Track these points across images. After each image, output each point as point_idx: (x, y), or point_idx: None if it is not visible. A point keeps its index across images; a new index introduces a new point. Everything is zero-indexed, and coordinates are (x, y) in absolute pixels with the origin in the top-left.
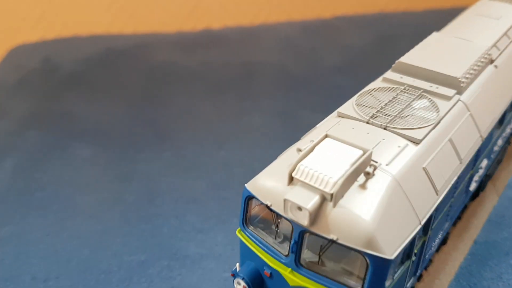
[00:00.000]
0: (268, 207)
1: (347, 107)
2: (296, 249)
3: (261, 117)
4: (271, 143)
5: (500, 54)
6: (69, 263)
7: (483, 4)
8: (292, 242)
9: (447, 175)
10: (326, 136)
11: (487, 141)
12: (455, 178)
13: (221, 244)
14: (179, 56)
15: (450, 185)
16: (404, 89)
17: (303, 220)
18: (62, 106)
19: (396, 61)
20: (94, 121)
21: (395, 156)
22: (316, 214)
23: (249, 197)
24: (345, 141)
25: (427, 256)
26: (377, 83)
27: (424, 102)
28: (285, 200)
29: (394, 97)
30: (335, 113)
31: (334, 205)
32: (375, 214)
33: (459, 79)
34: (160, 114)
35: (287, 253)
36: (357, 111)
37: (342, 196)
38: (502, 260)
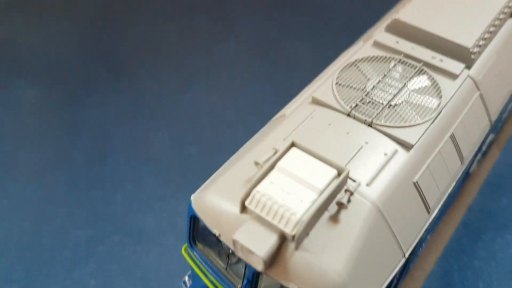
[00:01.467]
0: (216, 237)
1: (325, 89)
2: None
3: (237, 46)
4: (247, 84)
5: None
6: (8, 239)
7: None
8: (244, 282)
9: (443, 185)
10: (293, 145)
11: (498, 118)
12: (454, 183)
13: (183, 215)
14: None
15: (446, 196)
16: (400, 60)
17: (257, 265)
18: (5, 31)
19: (392, 18)
20: (42, 53)
21: (379, 171)
22: (274, 255)
23: (196, 217)
24: (315, 154)
25: (410, 265)
26: (367, 49)
27: (423, 81)
28: (233, 241)
29: (385, 74)
30: (310, 96)
31: (296, 248)
32: (347, 262)
33: (470, 50)
34: (117, 43)
35: (240, 285)
36: (337, 97)
37: (307, 234)
38: (498, 235)
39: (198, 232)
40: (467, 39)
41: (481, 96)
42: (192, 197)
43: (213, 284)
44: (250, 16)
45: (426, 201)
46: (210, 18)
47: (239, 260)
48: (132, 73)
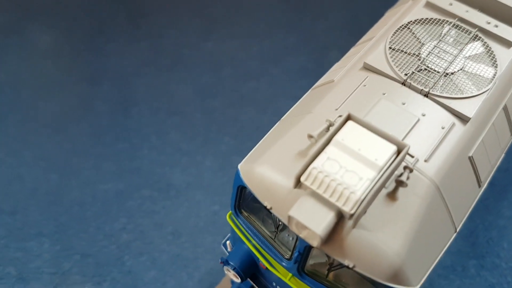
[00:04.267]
0: (267, 209)
1: (377, 54)
2: (300, 260)
3: None
4: (270, 31)
5: None
6: (36, 192)
7: None
8: (295, 253)
9: (494, 157)
10: (349, 117)
11: None
12: (503, 155)
13: (210, 170)
14: None
15: (495, 169)
16: (454, 24)
17: (312, 241)
18: None
19: None
20: None
21: (437, 145)
22: (330, 232)
23: (243, 187)
24: (373, 128)
25: None
26: (419, 9)
27: (478, 48)
28: (289, 216)
29: (440, 40)
30: (361, 60)
31: (354, 226)
32: (405, 241)
33: None
34: None
35: (289, 256)
36: (391, 63)
37: (365, 212)
38: None
39: (244, 201)
40: None
41: None
42: (240, 166)
43: (258, 250)
44: None
45: (479, 175)
46: None
47: (289, 231)
48: (151, 19)
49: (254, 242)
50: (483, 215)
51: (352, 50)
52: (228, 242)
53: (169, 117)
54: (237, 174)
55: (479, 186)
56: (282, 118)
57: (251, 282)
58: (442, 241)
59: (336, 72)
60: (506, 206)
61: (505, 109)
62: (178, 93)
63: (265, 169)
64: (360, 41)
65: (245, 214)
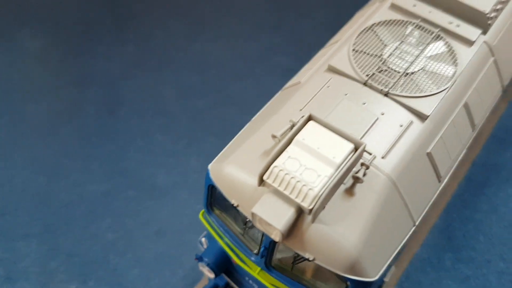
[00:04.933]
0: (234, 207)
1: (341, 56)
2: (267, 254)
3: None
4: (256, 31)
5: None
6: (25, 194)
7: None
8: (262, 248)
9: (455, 153)
10: (310, 118)
11: None
12: (464, 150)
13: (195, 170)
14: None
15: (456, 164)
16: (417, 25)
17: (274, 236)
18: None
19: None
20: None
21: (394, 142)
22: (291, 227)
23: (214, 186)
24: (332, 127)
25: None
26: (384, 11)
27: (440, 47)
28: (252, 213)
29: (402, 41)
30: (326, 63)
31: (313, 221)
32: (362, 234)
33: (487, 15)
34: None
35: (257, 251)
36: (353, 65)
37: (324, 207)
38: (501, 189)
39: (215, 200)
40: (484, 3)
41: (495, 61)
42: (210, 167)
43: (230, 248)
44: None
45: (438, 171)
46: None
47: (255, 231)
48: (137, 21)
49: (226, 239)
50: (459, 209)
51: (321, 51)
52: (203, 239)
53: (156, 119)
54: (207, 174)
55: (439, 181)
56: (253, 118)
57: (226, 278)
58: (400, 234)
59: (304, 73)
60: (483, 201)
61: (466, 106)
62: (164, 95)
63: (233, 168)
64: (329, 42)
65: (217, 212)
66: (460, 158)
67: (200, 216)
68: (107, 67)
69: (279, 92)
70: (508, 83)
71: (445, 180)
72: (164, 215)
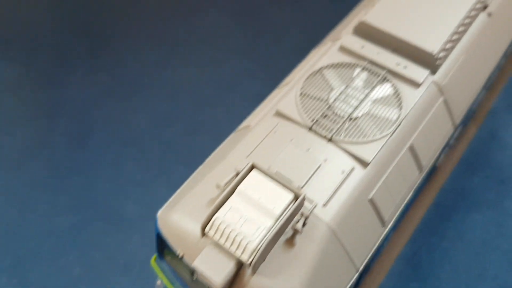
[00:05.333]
0: (179, 257)
1: (289, 100)
2: None
3: (219, 14)
4: (228, 57)
5: None
6: None
7: None
8: None
9: (399, 197)
10: (253, 167)
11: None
12: (411, 192)
13: (164, 200)
14: None
15: (402, 207)
16: (365, 67)
17: None
18: None
19: (359, 21)
20: (14, 27)
21: (335, 190)
22: (232, 280)
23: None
24: (274, 176)
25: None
26: (333, 53)
27: (386, 89)
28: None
29: (349, 83)
30: (274, 107)
31: (253, 273)
32: (302, 285)
33: (435, 56)
34: (94, 14)
35: None
36: (300, 110)
37: (264, 259)
38: (468, 215)
39: (166, 246)
40: (432, 43)
41: (445, 101)
42: (158, 214)
43: None
44: None
45: (382, 216)
46: None
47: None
48: (110, 49)
49: (177, 285)
50: (426, 237)
51: (273, 93)
52: (159, 281)
53: (125, 148)
54: (156, 225)
55: (383, 225)
56: (204, 162)
57: None
58: (342, 281)
59: (254, 116)
60: (450, 227)
61: (411, 149)
62: (135, 123)
63: (179, 217)
64: (281, 84)
65: (168, 258)
66: (406, 200)
67: (152, 262)
68: (79, 96)
69: (232, 133)
70: (461, 120)
71: (390, 224)
72: (132, 247)
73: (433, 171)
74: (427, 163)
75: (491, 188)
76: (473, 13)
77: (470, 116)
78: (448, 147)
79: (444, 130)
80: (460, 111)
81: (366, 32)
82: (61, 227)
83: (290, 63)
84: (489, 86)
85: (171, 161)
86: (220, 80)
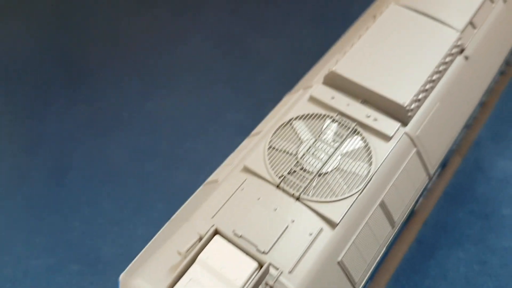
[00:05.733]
0: None
1: (257, 155)
2: None
3: (200, 44)
4: (210, 86)
5: (476, 33)
6: None
7: None
8: None
9: (371, 255)
10: (216, 232)
11: None
12: (384, 249)
13: (141, 240)
14: None
15: (374, 265)
16: (334, 119)
17: None
18: None
19: (329, 71)
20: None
21: (303, 253)
22: None
23: None
24: (237, 243)
25: None
26: (303, 104)
27: (356, 143)
28: None
29: (318, 136)
30: (242, 161)
31: None
32: None
33: (406, 108)
34: (74, 44)
35: None
36: (267, 165)
37: None
38: (451, 251)
39: None
40: (403, 95)
41: (418, 152)
42: (120, 278)
43: None
44: (214, 9)
45: (352, 278)
46: (173, 13)
47: None
48: (91, 79)
49: None
50: (409, 275)
51: (244, 142)
52: None
53: (103, 185)
54: (117, 285)
55: (354, 287)
56: (172, 217)
57: None
58: None
59: (223, 169)
60: (433, 265)
61: (382, 205)
62: (113, 158)
63: (139, 284)
64: (253, 132)
65: None
66: (379, 257)
67: None
68: (57, 129)
69: (202, 186)
70: (436, 170)
71: (362, 284)
72: None
73: (412, 215)
74: (400, 218)
75: (475, 223)
76: (448, 58)
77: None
78: (427, 191)
79: (418, 182)
80: (435, 161)
81: (336, 82)
82: (36, 269)
83: (274, 92)
84: (471, 122)
85: (149, 197)
86: (202, 111)
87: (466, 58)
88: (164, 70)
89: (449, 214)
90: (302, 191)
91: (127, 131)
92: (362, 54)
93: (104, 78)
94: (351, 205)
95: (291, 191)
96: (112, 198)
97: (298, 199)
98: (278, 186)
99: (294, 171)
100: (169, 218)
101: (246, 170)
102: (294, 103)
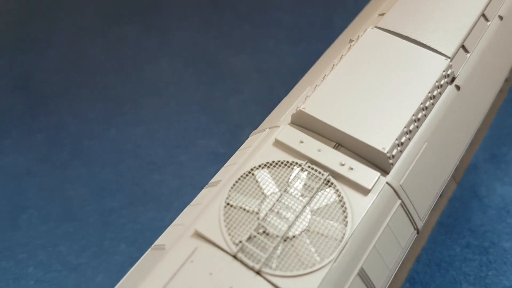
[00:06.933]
0: None
1: (211, 216)
2: None
3: (171, 62)
4: (181, 111)
5: (469, 57)
6: None
7: None
8: None
9: None
10: None
11: None
12: None
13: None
14: None
15: None
16: (303, 168)
17: None
18: None
19: (297, 109)
20: None
21: None
22: None
23: None
24: None
25: None
26: (267, 149)
27: (329, 196)
28: None
29: (285, 189)
30: (193, 225)
31: None
32: None
33: (387, 154)
34: (33, 67)
35: None
36: (223, 229)
37: None
38: None
39: None
40: (383, 139)
41: (402, 205)
42: None
43: None
44: (186, 25)
45: None
46: (142, 29)
47: None
48: (50, 106)
49: None
50: None
51: (199, 196)
52: None
53: (60, 225)
54: None
55: None
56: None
57: None
58: None
59: (173, 230)
60: None
61: (361, 273)
62: (73, 195)
63: None
64: (211, 182)
65: None
66: None
67: None
68: (12, 164)
69: (148, 250)
70: (424, 223)
71: None
72: None
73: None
74: (384, 284)
75: (473, 259)
76: (436, 92)
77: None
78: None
79: (404, 240)
80: (423, 212)
81: (305, 123)
82: None
83: (250, 115)
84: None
85: (111, 238)
86: (171, 138)
87: (458, 88)
88: (129, 93)
89: (444, 249)
90: (264, 262)
91: (88, 164)
92: (335, 88)
93: (64, 103)
94: (324, 278)
95: (251, 263)
96: (70, 240)
97: (258, 273)
98: (235, 257)
99: (255, 236)
100: (132, 262)
101: (198, 234)
102: (257, 148)
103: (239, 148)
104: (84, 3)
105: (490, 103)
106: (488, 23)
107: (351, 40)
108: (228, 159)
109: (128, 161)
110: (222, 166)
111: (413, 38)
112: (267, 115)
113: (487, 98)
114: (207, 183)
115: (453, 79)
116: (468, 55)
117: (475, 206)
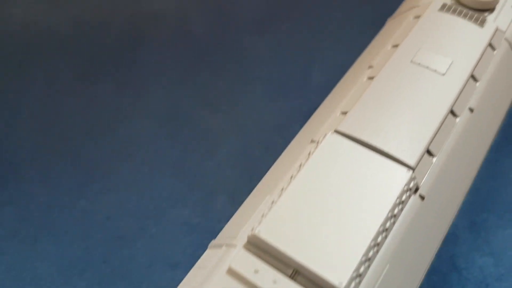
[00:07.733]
0: None
1: None
2: None
3: (145, 123)
4: (153, 176)
5: (434, 163)
6: None
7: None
8: None
9: None
10: None
11: None
12: None
13: None
14: (41, 11)
15: None
16: None
17: None
18: None
19: (251, 233)
20: None
21: None
22: None
23: None
24: None
25: None
26: (220, 279)
27: None
28: None
29: None
30: None
31: None
32: None
33: None
34: (5, 127)
35: None
36: None
37: None
38: None
39: None
40: (340, 272)
41: None
42: None
43: None
44: (161, 81)
45: None
46: (116, 87)
47: None
48: (18, 175)
49: None
50: None
51: None
52: None
53: None
54: None
55: None
56: None
57: None
58: None
59: None
60: None
61: None
62: (40, 274)
63: None
64: None
65: None
66: None
67: None
68: None
69: None
70: None
71: None
72: None
73: None
74: None
75: None
76: (397, 210)
77: None
78: None
79: None
80: None
81: (260, 248)
82: None
83: (226, 181)
84: None
85: None
86: (142, 208)
87: (422, 198)
88: (101, 159)
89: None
90: None
91: (57, 239)
92: (292, 207)
93: (34, 173)
94: None
95: None
96: None
97: None
98: None
99: None
100: None
101: None
102: (208, 275)
103: (211, 217)
104: (57, 59)
105: (460, 204)
106: (457, 119)
107: (312, 141)
108: (201, 230)
109: (97, 236)
110: (194, 238)
111: (374, 145)
112: (243, 180)
113: (456, 202)
114: (178, 260)
115: (416, 189)
116: (434, 159)
117: (454, 279)
